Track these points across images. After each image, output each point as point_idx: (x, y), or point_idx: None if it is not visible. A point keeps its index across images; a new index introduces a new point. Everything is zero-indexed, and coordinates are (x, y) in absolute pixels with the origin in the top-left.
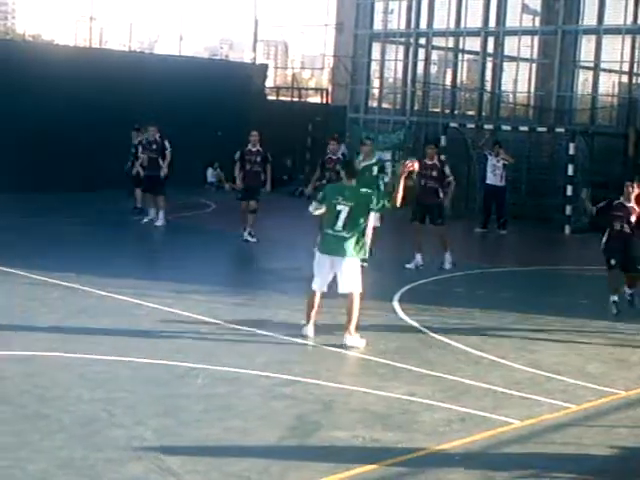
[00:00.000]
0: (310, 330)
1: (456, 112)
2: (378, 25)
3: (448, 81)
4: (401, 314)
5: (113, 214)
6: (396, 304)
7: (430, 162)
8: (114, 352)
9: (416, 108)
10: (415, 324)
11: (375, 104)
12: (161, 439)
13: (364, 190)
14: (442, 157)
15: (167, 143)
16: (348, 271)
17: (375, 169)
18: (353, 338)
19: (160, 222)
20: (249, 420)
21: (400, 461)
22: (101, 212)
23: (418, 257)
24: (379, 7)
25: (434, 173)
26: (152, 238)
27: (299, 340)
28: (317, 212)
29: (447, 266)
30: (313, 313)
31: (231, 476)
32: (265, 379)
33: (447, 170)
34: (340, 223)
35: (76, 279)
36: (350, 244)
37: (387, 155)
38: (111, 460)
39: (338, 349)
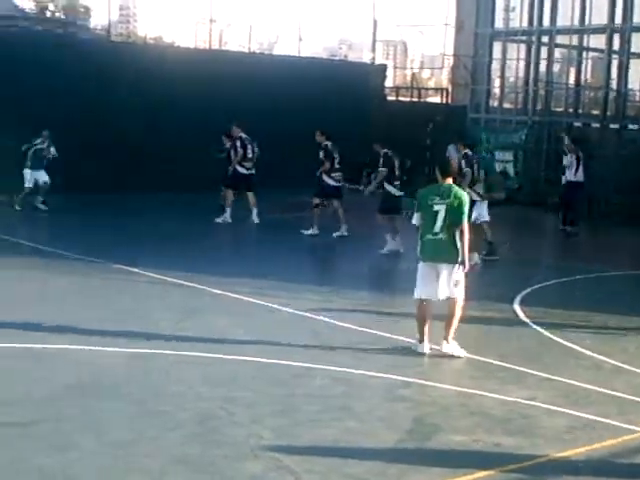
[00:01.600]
0: (426, 347)
1: (580, 111)
2: (499, 23)
3: (571, 80)
4: (522, 317)
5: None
6: (517, 307)
7: None
8: (232, 351)
9: (538, 108)
10: (536, 327)
11: (496, 104)
12: (279, 438)
13: (459, 191)
14: None
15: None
16: (450, 277)
17: None
18: (451, 346)
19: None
20: (367, 421)
21: (521, 467)
22: (208, 212)
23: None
24: (500, 5)
25: None
26: (264, 237)
27: (414, 341)
28: (415, 221)
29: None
30: (426, 328)
31: (349, 477)
32: (383, 380)
33: None
34: (439, 224)
35: (192, 278)
36: (450, 247)
37: (508, 155)
38: (228, 457)
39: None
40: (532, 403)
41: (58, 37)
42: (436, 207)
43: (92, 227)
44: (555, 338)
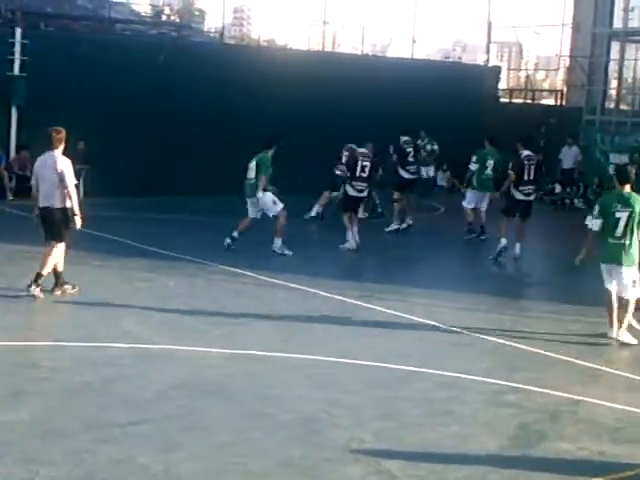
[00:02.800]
0: (623, 334)
1: None
2: (618, 23)
3: None
4: (634, 323)
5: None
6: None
7: None
8: (337, 353)
9: None
10: None
11: (612, 105)
12: (380, 442)
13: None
14: None
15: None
16: (627, 279)
17: None
18: (626, 335)
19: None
20: (470, 426)
21: (628, 476)
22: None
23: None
24: (619, 4)
25: None
26: (372, 240)
27: (524, 346)
28: (596, 227)
29: None
30: (615, 315)
31: None
32: (488, 385)
33: None
34: (620, 230)
35: (301, 280)
36: (629, 252)
37: (624, 158)
38: (330, 461)
39: (566, 357)
40: None
41: (172, 41)
42: (617, 214)
43: (193, 229)
44: None
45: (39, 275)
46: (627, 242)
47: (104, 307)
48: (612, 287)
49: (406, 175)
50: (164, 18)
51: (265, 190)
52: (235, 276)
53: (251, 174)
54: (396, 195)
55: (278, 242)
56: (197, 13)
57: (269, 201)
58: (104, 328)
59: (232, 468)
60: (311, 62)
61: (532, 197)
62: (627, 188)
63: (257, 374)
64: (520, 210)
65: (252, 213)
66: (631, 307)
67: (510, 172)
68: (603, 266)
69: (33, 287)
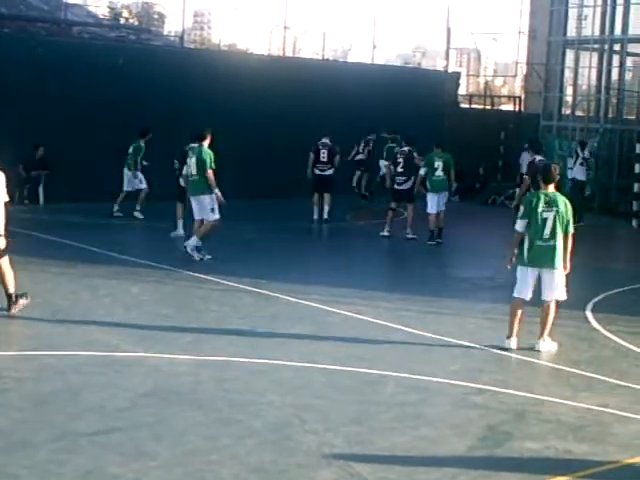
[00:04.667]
0: (514, 343)
1: None
2: (572, 32)
3: None
4: (594, 323)
5: (304, 220)
6: (589, 313)
7: None
8: (306, 358)
9: (610, 115)
10: (608, 334)
11: (568, 112)
12: (351, 446)
13: (564, 198)
14: None
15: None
16: (557, 281)
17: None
18: (547, 344)
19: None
20: (439, 429)
21: (592, 473)
22: (292, 219)
23: None
24: (573, 14)
25: None
26: (342, 244)
27: (490, 349)
28: (521, 227)
29: None
30: (516, 323)
31: None
32: (456, 388)
33: None
34: (547, 231)
35: (267, 285)
36: (558, 253)
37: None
38: (302, 466)
39: (530, 358)
40: (604, 410)
41: (131, 44)
42: (545, 215)
43: (163, 234)
44: (627, 345)
45: (10, 296)
46: (555, 243)
47: (67, 315)
48: (526, 294)
49: (396, 186)
50: (122, 21)
51: (212, 189)
52: (201, 282)
53: (192, 170)
54: (393, 204)
55: (193, 241)
56: (156, 16)
57: (209, 205)
58: (68, 337)
59: (203, 475)
60: (272, 67)
61: None
62: (551, 188)
63: (226, 380)
64: None
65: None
66: (552, 312)
67: (525, 177)
68: (526, 270)
69: (13, 309)
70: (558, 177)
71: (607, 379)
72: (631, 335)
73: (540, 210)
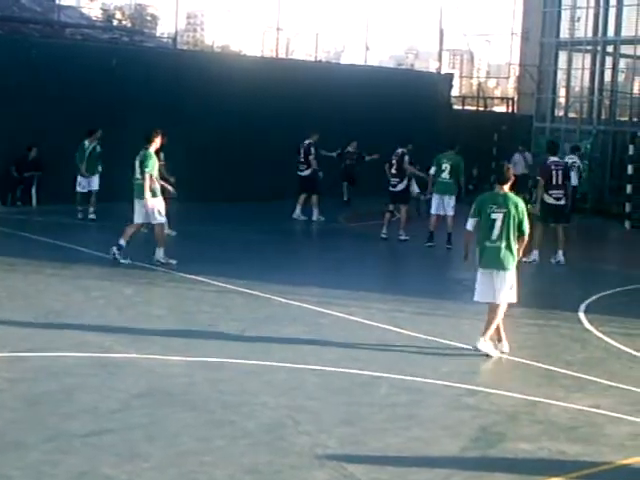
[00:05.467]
0: (485, 342)
1: None
2: (565, 33)
3: (636, 89)
4: (587, 325)
5: (297, 222)
6: (582, 315)
7: None
8: (299, 360)
9: (603, 117)
10: (601, 335)
11: (561, 113)
12: (345, 447)
13: (516, 199)
14: None
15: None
16: (506, 284)
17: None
18: (486, 344)
19: (315, 217)
20: (432, 430)
21: (585, 474)
22: (286, 220)
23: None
24: (566, 15)
25: None
26: (337, 246)
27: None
28: (470, 226)
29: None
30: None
31: None
32: (448, 389)
33: None
34: (495, 233)
35: (259, 287)
36: (507, 255)
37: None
38: (295, 467)
39: (522, 360)
40: (596, 411)
41: (124, 45)
42: (493, 215)
43: (148, 236)
44: (619, 346)
45: None
46: (503, 245)
47: (60, 317)
48: (488, 297)
49: (390, 188)
50: (115, 23)
51: (154, 192)
52: (193, 283)
53: (137, 174)
54: (391, 207)
55: (160, 252)
56: (149, 18)
57: (154, 207)
58: (61, 338)
59: (197, 476)
60: (265, 68)
61: (562, 201)
62: (504, 188)
63: (220, 381)
64: (553, 214)
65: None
66: (501, 313)
67: (539, 178)
68: (482, 272)
69: None
70: (512, 177)
71: (599, 380)
72: (624, 336)
73: (489, 211)
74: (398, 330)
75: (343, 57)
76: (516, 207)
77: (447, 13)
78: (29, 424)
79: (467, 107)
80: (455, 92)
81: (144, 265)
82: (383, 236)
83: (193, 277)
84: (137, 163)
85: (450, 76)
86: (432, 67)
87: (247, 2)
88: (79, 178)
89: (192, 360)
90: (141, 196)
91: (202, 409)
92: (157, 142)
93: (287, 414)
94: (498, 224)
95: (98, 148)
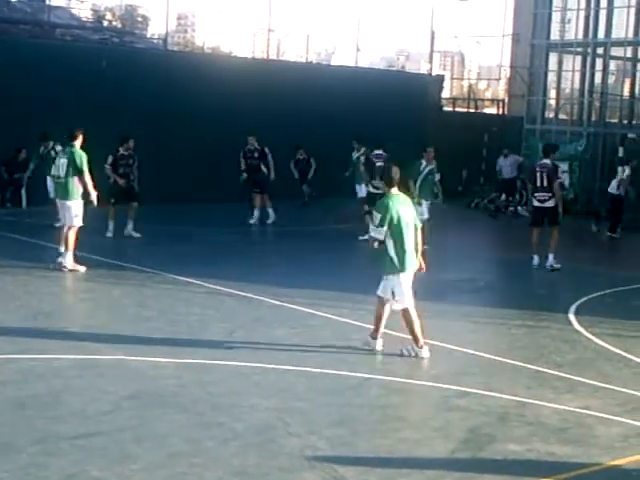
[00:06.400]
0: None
1: (634, 122)
2: (555, 35)
3: (626, 91)
4: (577, 326)
5: (282, 223)
6: (572, 316)
7: None
8: (289, 361)
9: (593, 119)
10: (591, 336)
11: (552, 115)
12: (335, 449)
13: (408, 199)
14: None
15: (267, 150)
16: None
17: (437, 175)
18: (376, 342)
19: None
20: (422, 431)
21: (575, 475)
22: (279, 220)
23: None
24: (556, 17)
25: None
26: (323, 247)
27: (471, 351)
28: (382, 235)
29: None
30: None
31: None
32: (438, 390)
33: None
34: (412, 233)
35: (249, 288)
36: (419, 254)
37: (563, 166)
38: (285, 469)
39: (513, 361)
40: (587, 412)
41: (114, 46)
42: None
43: (147, 238)
44: (610, 347)
45: None
46: (410, 247)
47: (49, 319)
48: (411, 301)
49: (372, 189)
50: (106, 23)
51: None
52: (184, 285)
53: (61, 172)
54: (367, 207)
55: (69, 255)
56: (140, 19)
57: (74, 210)
58: (50, 340)
59: (186, 478)
60: (256, 70)
61: (549, 203)
62: (395, 190)
63: (209, 383)
64: (541, 217)
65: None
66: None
67: (527, 182)
68: (405, 276)
69: None
70: (399, 178)
71: (590, 381)
72: (614, 338)
73: (401, 214)
74: (388, 332)
75: (334, 58)
76: (411, 205)
77: (438, 15)
78: (17, 426)
79: (458, 109)
80: (446, 94)
81: (133, 267)
82: (364, 238)
83: (183, 279)
84: (63, 161)
85: (441, 78)
86: (423, 69)
87: (238, 3)
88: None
89: (181, 362)
90: (64, 197)
91: (192, 411)
92: (80, 139)
93: (277, 416)
94: (410, 224)
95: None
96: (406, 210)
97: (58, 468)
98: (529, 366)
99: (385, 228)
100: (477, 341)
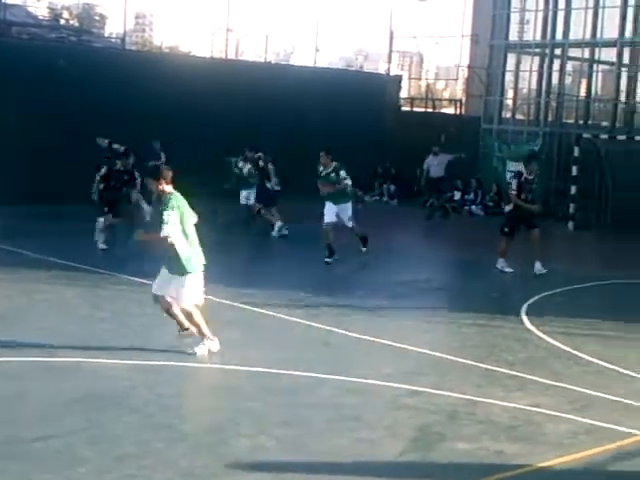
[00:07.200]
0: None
1: (589, 123)
2: (513, 36)
3: (582, 92)
4: (529, 325)
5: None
6: (523, 315)
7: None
8: (240, 362)
9: (550, 119)
10: (542, 335)
11: (509, 115)
12: (284, 449)
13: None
14: None
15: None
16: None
17: (333, 176)
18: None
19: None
20: (373, 431)
21: (524, 473)
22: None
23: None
24: (515, 18)
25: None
26: (276, 249)
27: (424, 350)
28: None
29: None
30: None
31: None
32: (390, 390)
33: None
34: (195, 234)
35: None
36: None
37: (519, 166)
38: (233, 470)
39: (464, 360)
40: (537, 410)
41: (71, 45)
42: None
43: (90, 238)
44: (560, 345)
45: None
46: (198, 246)
47: (2, 321)
48: (200, 298)
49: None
50: (63, 22)
51: None
52: (138, 286)
53: None
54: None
55: None
56: (97, 18)
57: None
58: (3, 342)
59: None
60: (214, 69)
61: (507, 208)
62: (170, 188)
63: (161, 384)
64: (519, 222)
65: None
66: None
67: (511, 193)
68: (197, 277)
69: None
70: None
71: (540, 379)
72: (564, 336)
73: (187, 214)
74: (342, 331)
75: (293, 58)
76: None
77: (397, 15)
78: None
79: (416, 108)
80: (404, 94)
81: (87, 268)
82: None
83: (136, 279)
84: None
85: (399, 78)
86: (381, 69)
87: (196, 3)
88: None
89: (134, 363)
90: None
91: (142, 412)
92: None
93: (227, 416)
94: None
95: None
96: (189, 209)
97: (10, 473)
98: (480, 365)
99: (177, 227)
100: (429, 340)
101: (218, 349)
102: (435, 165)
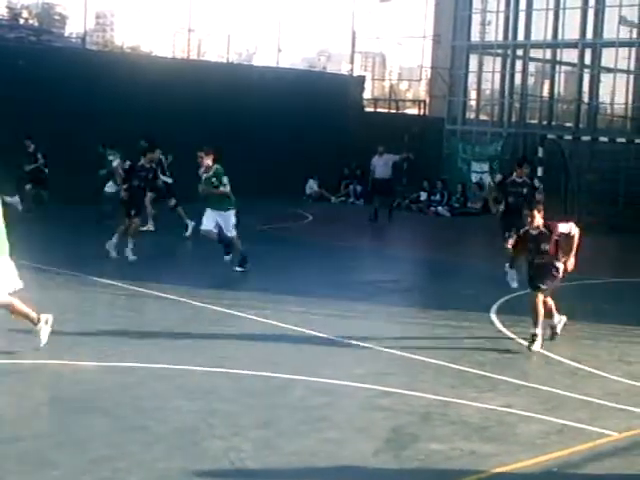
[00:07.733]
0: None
1: (553, 123)
2: (475, 37)
3: (545, 92)
4: (499, 325)
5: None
6: (493, 316)
7: (520, 179)
8: (212, 363)
9: (513, 120)
10: (513, 336)
11: (472, 116)
12: (259, 450)
13: None
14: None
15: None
16: None
17: (214, 180)
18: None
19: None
20: (346, 432)
21: (497, 473)
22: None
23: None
24: (477, 19)
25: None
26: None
27: (395, 351)
28: None
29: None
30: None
31: None
32: (362, 391)
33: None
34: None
35: (172, 290)
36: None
37: (484, 166)
38: (209, 472)
39: (435, 360)
40: (508, 410)
41: (31, 45)
42: None
43: (69, 239)
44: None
45: None
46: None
47: None
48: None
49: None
50: (22, 22)
51: None
52: (106, 287)
53: None
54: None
55: None
56: (57, 17)
57: None
58: None
59: None
60: (176, 69)
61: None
62: None
63: (132, 386)
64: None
65: None
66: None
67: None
68: (3, 261)
69: None
70: None
71: (511, 380)
72: None
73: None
74: (312, 332)
75: (255, 59)
76: None
77: (359, 16)
78: None
79: (379, 109)
80: (367, 94)
81: (53, 269)
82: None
83: (104, 280)
84: None
85: (362, 78)
86: (344, 69)
87: (157, 3)
88: None
89: (103, 365)
90: None
91: (114, 415)
92: None
93: (201, 418)
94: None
95: None
96: None
97: None
98: (452, 365)
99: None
100: (401, 341)
101: (52, 321)
102: (380, 165)
